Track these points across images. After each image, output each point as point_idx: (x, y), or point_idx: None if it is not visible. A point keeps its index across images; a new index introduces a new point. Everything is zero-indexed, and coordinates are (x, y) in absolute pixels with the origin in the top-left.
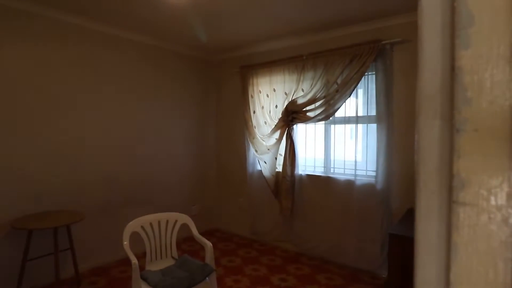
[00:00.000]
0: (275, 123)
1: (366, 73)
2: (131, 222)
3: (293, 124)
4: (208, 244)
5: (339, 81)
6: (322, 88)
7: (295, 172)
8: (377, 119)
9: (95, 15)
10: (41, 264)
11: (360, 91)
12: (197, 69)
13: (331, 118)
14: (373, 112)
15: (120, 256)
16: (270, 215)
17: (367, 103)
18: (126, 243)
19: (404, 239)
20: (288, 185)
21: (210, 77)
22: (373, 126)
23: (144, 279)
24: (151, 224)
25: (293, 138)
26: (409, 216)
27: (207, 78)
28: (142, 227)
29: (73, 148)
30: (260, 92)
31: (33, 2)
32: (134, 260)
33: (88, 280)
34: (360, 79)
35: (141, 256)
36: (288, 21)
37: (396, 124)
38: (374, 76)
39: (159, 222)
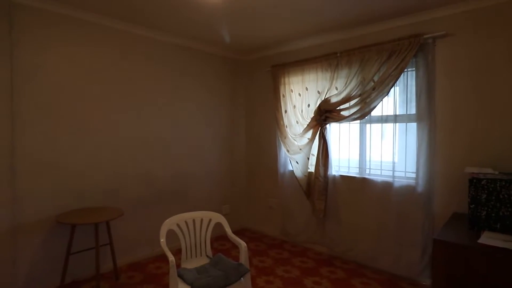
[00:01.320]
0: (307, 123)
1: (405, 70)
2: (167, 220)
3: (326, 124)
4: (243, 244)
5: (375, 78)
6: (358, 86)
7: (328, 172)
8: (418, 117)
9: (129, 17)
10: (82, 258)
11: (399, 88)
12: (227, 69)
13: (366, 117)
14: (412, 111)
15: (156, 252)
16: (302, 216)
17: (406, 101)
18: (163, 240)
19: (450, 246)
20: (321, 186)
21: (240, 77)
22: (413, 125)
23: (180, 276)
24: (186, 223)
25: (326, 137)
26: (455, 220)
27: (237, 78)
28: (177, 225)
29: (112, 148)
30: (292, 91)
31: (75, 7)
32: (171, 258)
33: (126, 274)
34: (399, 76)
35: (175, 253)
36: (321, 18)
37: (439, 123)
38: (414, 72)
39: (194, 220)
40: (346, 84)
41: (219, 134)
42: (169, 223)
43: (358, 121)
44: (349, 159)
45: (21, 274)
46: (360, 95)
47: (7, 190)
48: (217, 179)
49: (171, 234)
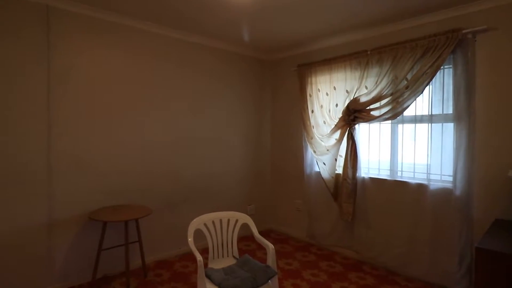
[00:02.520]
0: (335, 123)
1: (442, 67)
2: (195, 219)
3: (355, 124)
4: (270, 246)
5: (409, 76)
6: (389, 85)
7: (357, 174)
8: (455, 117)
9: (161, 20)
10: (112, 254)
11: (434, 86)
12: (252, 69)
13: (398, 117)
14: (450, 110)
15: (183, 250)
16: (329, 219)
17: (442, 100)
18: (190, 239)
19: (495, 255)
20: (349, 188)
21: (265, 76)
22: (450, 126)
23: (207, 276)
24: (213, 222)
25: (355, 138)
26: (498, 228)
27: (262, 78)
28: (205, 224)
29: (142, 147)
30: (319, 90)
31: (107, 10)
32: (199, 257)
33: (154, 272)
34: (434, 74)
35: (201, 252)
36: (350, 14)
37: (479, 123)
38: (451, 69)
39: (220, 220)
40: (376, 83)
41: (244, 135)
42: (197, 223)
43: (390, 121)
44: (379, 161)
45: (56, 268)
46: (391, 94)
47: (43, 188)
48: (242, 179)
49: (198, 233)
